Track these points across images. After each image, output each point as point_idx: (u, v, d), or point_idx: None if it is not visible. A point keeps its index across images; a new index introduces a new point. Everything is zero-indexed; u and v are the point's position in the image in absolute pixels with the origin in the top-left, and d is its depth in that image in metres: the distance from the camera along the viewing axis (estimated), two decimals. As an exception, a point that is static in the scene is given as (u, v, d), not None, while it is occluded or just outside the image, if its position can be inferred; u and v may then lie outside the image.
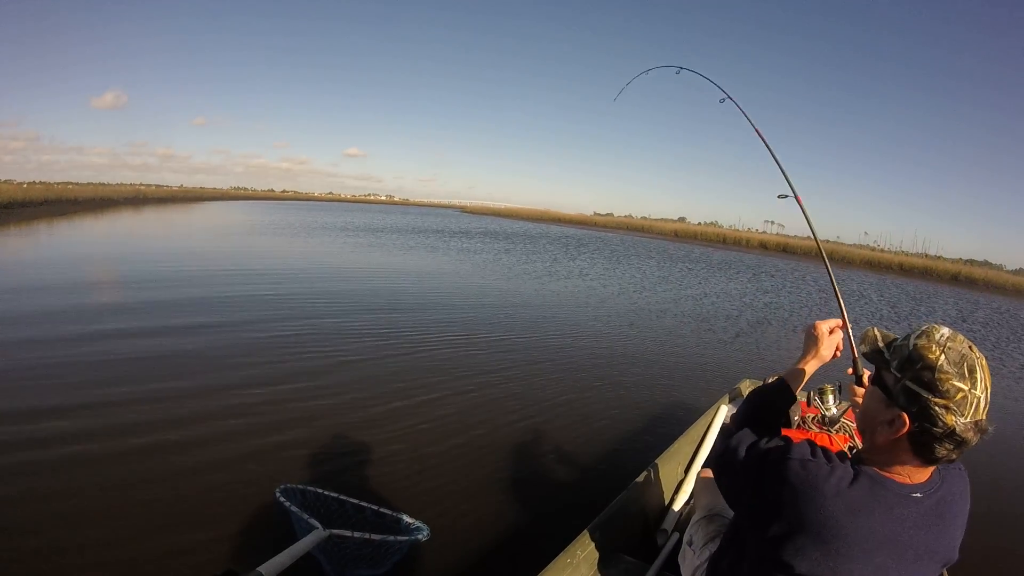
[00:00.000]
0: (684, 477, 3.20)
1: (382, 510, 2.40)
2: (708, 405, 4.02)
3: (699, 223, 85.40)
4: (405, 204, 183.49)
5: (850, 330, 1.65)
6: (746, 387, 4.42)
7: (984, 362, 1.08)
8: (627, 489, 2.65)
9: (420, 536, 2.22)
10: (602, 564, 2.24)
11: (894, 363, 1.15)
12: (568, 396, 5.55)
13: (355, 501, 2.39)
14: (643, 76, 3.59)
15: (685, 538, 2.03)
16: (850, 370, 1.67)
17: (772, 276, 23.26)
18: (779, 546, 1.16)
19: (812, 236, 2.22)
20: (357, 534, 2.01)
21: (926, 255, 52.78)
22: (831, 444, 2.47)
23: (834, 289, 1.93)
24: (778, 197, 2.21)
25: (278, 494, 2.17)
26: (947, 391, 1.05)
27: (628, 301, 12.16)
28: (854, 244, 68.19)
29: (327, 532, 2.00)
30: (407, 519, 2.37)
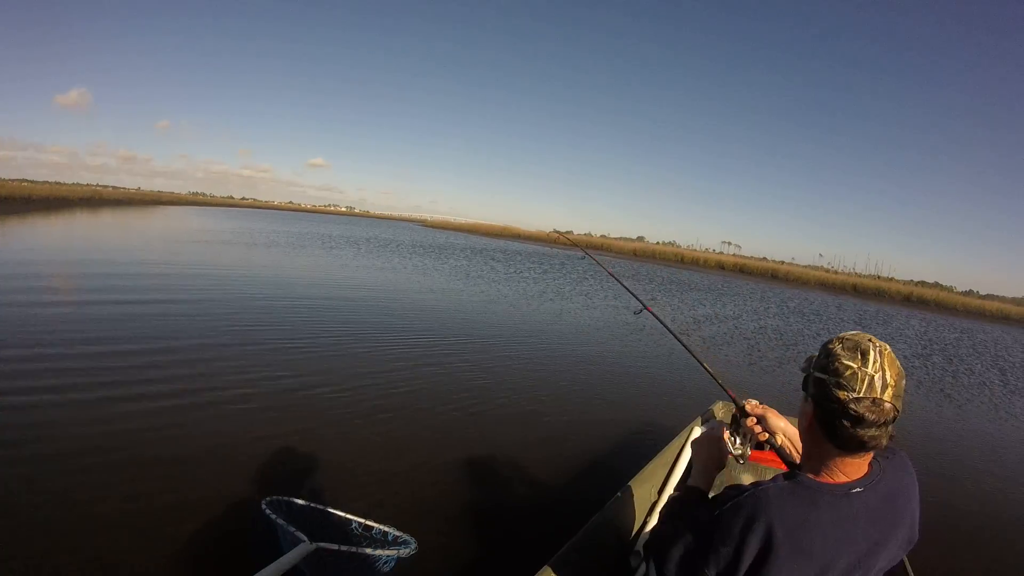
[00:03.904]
0: (657, 499, 3.20)
1: (369, 523, 2.38)
2: (681, 427, 4.01)
3: (658, 242, 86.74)
4: (366, 216, 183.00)
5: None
6: (719, 409, 4.39)
7: (885, 350, 1.18)
8: (600, 511, 2.62)
9: (407, 550, 2.19)
10: None
11: (810, 365, 1.28)
12: (544, 416, 5.63)
13: (341, 514, 2.37)
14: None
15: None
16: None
17: (734, 297, 23.60)
18: None
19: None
20: (344, 547, 2.02)
21: (878, 276, 54.63)
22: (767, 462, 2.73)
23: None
24: (634, 313, 2.82)
25: (264, 506, 2.15)
26: (836, 369, 1.17)
27: (603, 321, 12.23)
28: (808, 265, 70.39)
29: (313, 545, 2.00)
30: (394, 532, 2.36)
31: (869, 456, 1.23)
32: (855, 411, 1.14)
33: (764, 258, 76.66)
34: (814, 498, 1.18)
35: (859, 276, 52.46)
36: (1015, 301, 55.22)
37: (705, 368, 2.13)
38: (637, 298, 2.85)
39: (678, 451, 3.65)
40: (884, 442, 1.18)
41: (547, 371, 7.36)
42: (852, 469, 1.22)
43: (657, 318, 2.67)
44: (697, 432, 3.80)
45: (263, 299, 10.10)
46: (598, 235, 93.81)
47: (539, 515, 3.67)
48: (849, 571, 1.18)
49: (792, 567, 1.16)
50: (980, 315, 37.92)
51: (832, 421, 1.17)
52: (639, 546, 2.76)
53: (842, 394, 1.15)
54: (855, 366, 1.16)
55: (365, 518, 2.40)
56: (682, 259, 53.52)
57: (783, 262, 69.89)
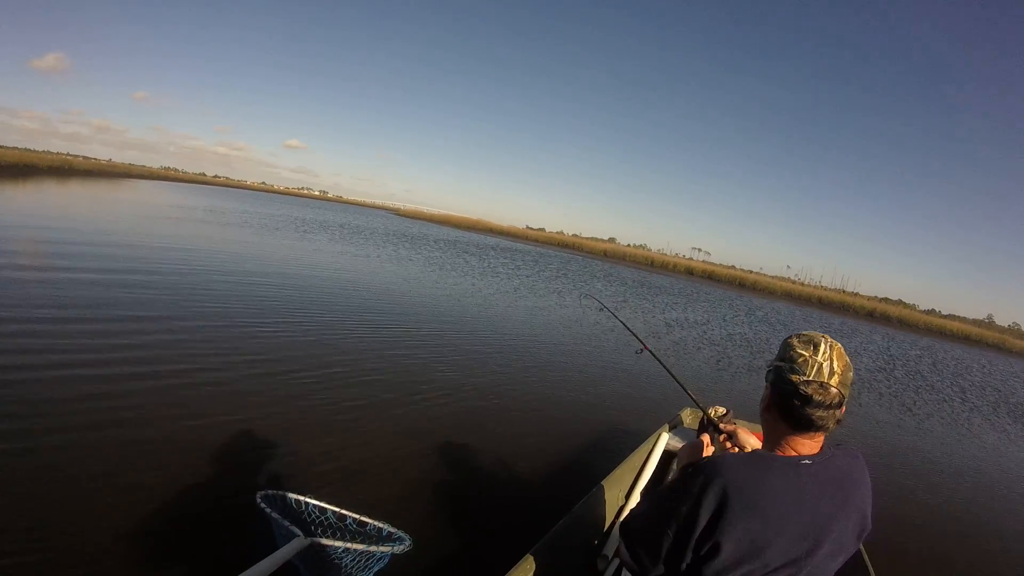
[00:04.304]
0: (624, 503, 3.23)
1: (364, 519, 2.36)
2: (650, 432, 4.04)
3: (629, 244, 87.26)
4: (339, 201, 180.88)
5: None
6: (687, 416, 4.46)
7: (835, 345, 1.36)
8: (568, 515, 2.64)
9: (401, 547, 2.18)
10: None
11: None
12: (513, 412, 5.59)
13: (336, 509, 2.34)
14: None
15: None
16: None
17: (703, 303, 23.80)
18: (707, 541, 1.29)
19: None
20: (338, 543, 2.01)
21: (844, 291, 55.68)
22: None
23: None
24: (635, 353, 3.02)
25: (259, 500, 2.14)
26: (791, 356, 1.36)
27: (574, 319, 12.10)
28: (776, 276, 71.51)
29: (308, 540, 2.01)
30: (388, 528, 2.34)
31: (820, 439, 1.38)
32: (804, 392, 1.32)
33: (733, 266, 77.88)
34: (767, 464, 1.31)
35: (825, 289, 53.48)
36: (975, 323, 56.79)
37: (689, 394, 2.28)
38: (637, 338, 3.06)
39: (646, 455, 3.71)
40: (831, 425, 1.34)
41: (517, 368, 7.25)
42: (804, 448, 1.36)
43: (657, 359, 2.82)
44: (665, 437, 3.93)
45: (233, 280, 9.73)
46: (570, 234, 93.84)
47: (510, 514, 3.63)
48: (799, 539, 1.28)
49: (745, 524, 1.26)
50: (941, 334, 38.90)
51: (785, 402, 1.36)
52: (607, 550, 2.80)
53: (794, 377, 1.34)
54: (807, 355, 1.35)
55: (360, 514, 2.38)
56: (652, 262, 53.98)
57: (751, 271, 71.01)
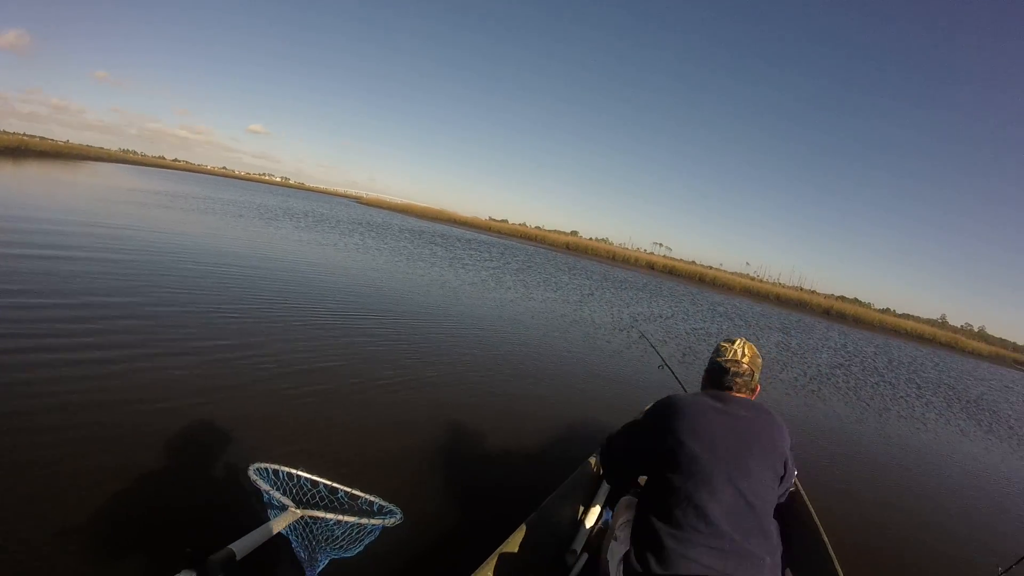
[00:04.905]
0: (593, 499, 3.29)
1: (355, 492, 2.41)
2: (618, 425, 4.06)
3: (591, 238, 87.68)
4: (301, 188, 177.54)
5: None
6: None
7: (747, 342, 2.18)
8: (537, 510, 2.68)
9: (392, 520, 2.22)
10: None
11: None
12: (494, 398, 5.68)
13: (328, 482, 2.38)
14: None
15: (608, 538, 2.36)
16: None
17: (668, 298, 24.04)
18: (666, 456, 1.89)
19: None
20: (330, 515, 2.05)
21: (801, 288, 56.86)
22: None
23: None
24: (658, 367, 4.09)
25: (251, 473, 2.16)
26: (718, 349, 2.20)
27: (544, 311, 12.05)
28: (735, 272, 72.72)
29: (300, 512, 2.05)
30: (380, 502, 2.38)
31: (738, 395, 2.08)
32: (718, 364, 2.14)
33: (693, 261, 78.84)
34: (704, 398, 2.04)
35: (783, 287, 54.48)
36: (929, 322, 58.66)
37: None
38: (665, 362, 4.69)
39: None
40: (743, 391, 2.09)
41: (494, 355, 7.25)
42: (726, 397, 2.05)
43: (674, 375, 4.46)
44: None
45: (194, 265, 9.36)
46: (533, 226, 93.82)
47: (484, 502, 3.62)
48: (726, 458, 1.81)
49: (689, 431, 1.88)
50: (896, 332, 40.12)
51: (711, 369, 2.18)
52: (576, 544, 2.84)
53: (717, 358, 2.17)
54: (727, 346, 2.18)
55: (351, 487, 2.42)
56: (614, 256, 54.31)
57: (712, 267, 72.02)
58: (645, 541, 1.81)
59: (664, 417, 1.98)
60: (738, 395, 2.06)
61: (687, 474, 1.80)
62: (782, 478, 1.93)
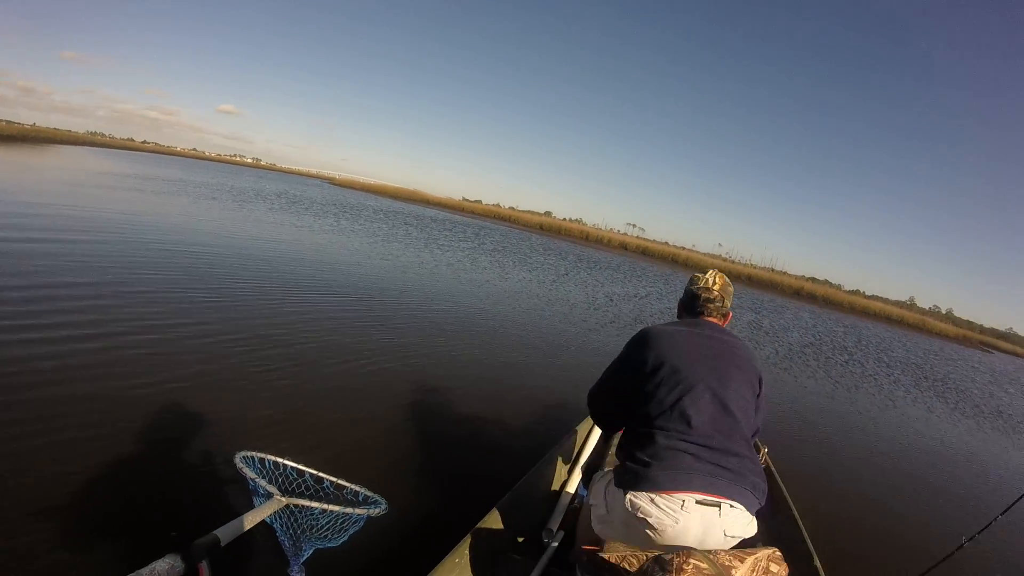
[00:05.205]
0: (568, 477, 3.33)
1: (341, 482, 2.38)
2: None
3: (564, 219, 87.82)
4: (272, 169, 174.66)
5: None
6: None
7: (720, 273, 2.25)
8: (512, 490, 2.73)
9: (377, 510, 2.17)
10: (489, 563, 2.30)
11: None
12: (469, 377, 5.65)
13: (314, 472, 2.36)
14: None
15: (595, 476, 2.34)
16: None
17: (642, 278, 24.22)
18: (649, 376, 1.94)
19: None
20: (315, 504, 2.02)
21: (772, 270, 57.70)
22: None
23: None
24: None
25: (238, 460, 2.12)
26: (692, 279, 2.28)
27: (524, 291, 12.00)
28: (707, 253, 73.54)
29: (285, 500, 2.02)
30: (365, 492, 2.36)
31: (711, 319, 2.18)
32: (691, 291, 2.23)
33: (666, 243, 79.49)
34: (678, 325, 2.12)
35: (755, 268, 55.22)
36: (898, 304, 59.97)
37: None
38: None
39: (588, 429, 3.88)
40: (715, 315, 2.18)
41: (468, 337, 7.17)
42: (700, 322, 2.14)
43: None
44: None
45: (168, 248, 9.13)
46: (507, 207, 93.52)
47: (462, 482, 3.62)
48: (706, 370, 1.90)
49: (669, 350, 1.96)
50: (865, 314, 40.95)
51: (685, 297, 2.28)
52: (551, 523, 2.87)
53: (691, 286, 2.25)
54: (700, 275, 2.26)
55: (337, 477, 2.40)
56: (587, 237, 54.50)
57: (684, 248, 72.70)
58: (634, 453, 1.87)
59: (642, 345, 2.03)
60: (711, 319, 2.17)
61: (670, 386, 1.87)
62: (758, 397, 2.02)
